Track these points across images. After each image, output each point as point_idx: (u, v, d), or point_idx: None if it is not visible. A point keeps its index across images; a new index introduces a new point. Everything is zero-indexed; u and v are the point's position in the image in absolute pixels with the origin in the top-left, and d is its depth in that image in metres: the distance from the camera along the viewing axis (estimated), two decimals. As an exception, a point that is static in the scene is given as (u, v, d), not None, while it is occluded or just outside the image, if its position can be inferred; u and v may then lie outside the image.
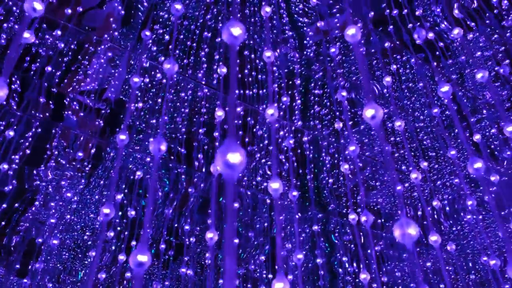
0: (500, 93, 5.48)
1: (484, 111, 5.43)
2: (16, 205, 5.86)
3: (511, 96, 5.42)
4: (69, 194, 5.43)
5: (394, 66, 4.77)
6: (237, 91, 5.05)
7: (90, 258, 5.51)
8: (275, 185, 2.08)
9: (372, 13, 5.17)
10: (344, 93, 2.85)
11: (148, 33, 2.82)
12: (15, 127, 4.90)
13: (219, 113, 2.94)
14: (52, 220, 5.26)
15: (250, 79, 6.33)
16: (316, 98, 7.06)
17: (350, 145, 2.87)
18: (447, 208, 7.07)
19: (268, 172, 6.40)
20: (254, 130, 6.29)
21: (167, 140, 6.14)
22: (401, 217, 1.37)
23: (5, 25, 4.91)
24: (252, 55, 6.02)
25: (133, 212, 3.61)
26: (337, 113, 4.46)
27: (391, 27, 4.36)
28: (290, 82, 6.89)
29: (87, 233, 6.80)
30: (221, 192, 6.45)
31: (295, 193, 2.65)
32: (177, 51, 5.61)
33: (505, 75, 4.99)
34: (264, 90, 6.13)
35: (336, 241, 7.00)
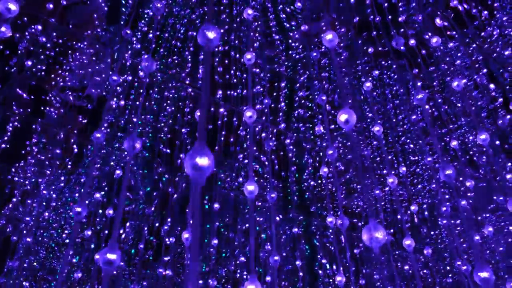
0: (478, 101, 5.60)
1: (463, 119, 5.55)
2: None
3: (489, 104, 5.55)
4: (45, 192, 5.34)
5: (377, 72, 4.84)
6: (220, 92, 5.05)
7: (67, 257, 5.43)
8: (250, 187, 2.08)
9: (357, 19, 5.23)
10: (324, 97, 2.88)
11: (128, 31, 2.79)
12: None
13: (199, 113, 2.93)
14: (27, 218, 5.16)
15: (235, 80, 6.33)
16: (302, 101, 7.10)
17: (329, 149, 2.90)
18: (426, 213, 7.19)
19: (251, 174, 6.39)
20: (238, 131, 6.29)
21: (150, 139, 6.10)
22: (370, 221, 1.40)
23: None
24: (237, 55, 6.03)
25: (111, 211, 3.57)
26: (320, 116, 4.50)
27: (374, 33, 4.43)
28: (276, 84, 6.91)
29: (65, 232, 6.70)
30: (203, 192, 6.43)
31: (273, 195, 2.66)
32: (161, 50, 5.58)
33: (483, 83, 5.11)
34: (250, 91, 6.13)
35: (318, 243, 7.05)
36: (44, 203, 5.95)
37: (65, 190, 6.44)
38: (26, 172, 5.94)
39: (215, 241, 4.05)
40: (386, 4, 4.22)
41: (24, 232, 5.73)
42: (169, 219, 5.21)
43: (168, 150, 6.18)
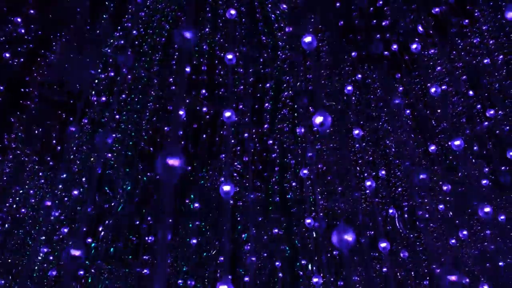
0: (458, 107, 5.73)
1: (442, 124, 5.66)
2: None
3: (466, 111, 5.68)
4: (21, 190, 5.23)
5: (360, 75, 4.90)
6: (203, 91, 5.04)
7: (42, 254, 5.33)
8: (226, 188, 2.08)
9: (342, 22, 5.27)
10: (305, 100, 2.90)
11: (116, 28, 2.76)
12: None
13: (181, 112, 2.91)
14: (3, 215, 5.06)
15: (220, 79, 6.31)
16: (287, 101, 7.11)
17: (308, 151, 2.92)
18: (405, 215, 7.29)
19: (234, 174, 6.39)
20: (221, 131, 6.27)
21: (131, 136, 6.03)
22: (339, 224, 1.41)
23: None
24: (222, 54, 6.01)
25: (88, 209, 3.52)
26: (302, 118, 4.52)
27: (358, 37, 4.48)
28: (260, 85, 6.92)
29: (43, 228, 6.57)
30: (186, 192, 6.39)
31: (251, 196, 2.66)
32: (145, 46, 5.52)
33: (462, 90, 5.23)
34: (235, 90, 6.12)
35: (299, 245, 7.07)
36: (21, 199, 5.83)
37: (44, 186, 6.32)
38: (5, 168, 5.81)
39: (194, 241, 4.04)
40: (371, 9, 4.28)
41: (0, 228, 5.60)
42: (149, 218, 5.17)
43: (152, 148, 6.13)
